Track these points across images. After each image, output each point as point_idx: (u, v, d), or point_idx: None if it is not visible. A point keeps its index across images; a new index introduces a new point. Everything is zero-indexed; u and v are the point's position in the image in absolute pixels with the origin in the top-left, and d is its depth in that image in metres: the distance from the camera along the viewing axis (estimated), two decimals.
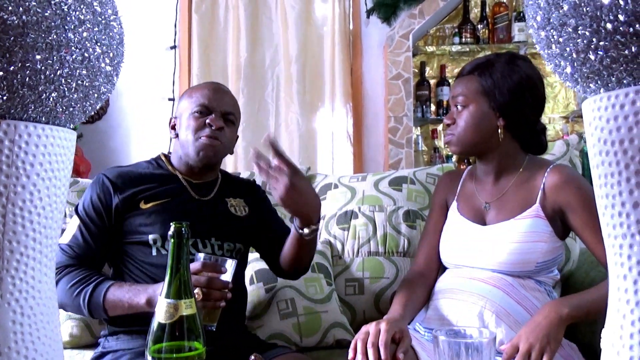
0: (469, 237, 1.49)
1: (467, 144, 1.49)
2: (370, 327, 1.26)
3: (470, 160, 3.45)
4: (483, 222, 1.50)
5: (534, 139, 1.52)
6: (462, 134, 1.48)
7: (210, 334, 1.23)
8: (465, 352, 0.97)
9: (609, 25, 0.59)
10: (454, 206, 1.60)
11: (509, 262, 1.40)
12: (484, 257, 1.43)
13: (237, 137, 1.71)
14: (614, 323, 0.70)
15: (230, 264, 1.32)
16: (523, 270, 1.40)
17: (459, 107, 1.49)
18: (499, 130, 1.46)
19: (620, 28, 0.59)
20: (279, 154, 1.34)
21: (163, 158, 1.67)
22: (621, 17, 0.58)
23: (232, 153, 1.70)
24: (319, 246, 1.96)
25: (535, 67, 1.51)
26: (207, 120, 1.54)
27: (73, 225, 1.51)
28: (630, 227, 0.66)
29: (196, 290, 1.23)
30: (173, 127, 1.64)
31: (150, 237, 1.48)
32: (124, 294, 1.36)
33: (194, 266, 1.28)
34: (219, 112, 1.56)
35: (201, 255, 1.32)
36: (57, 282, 1.39)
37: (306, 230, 1.42)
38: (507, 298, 1.37)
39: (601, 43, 0.61)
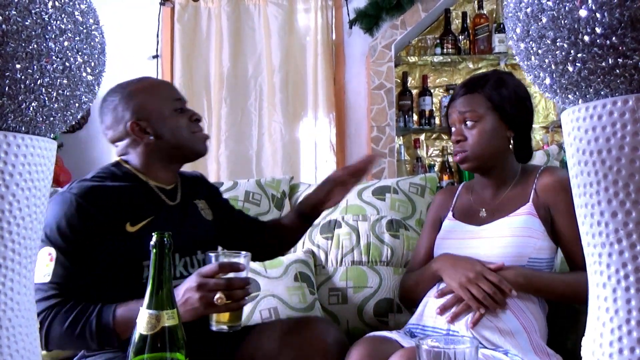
0: (464, 237, 1.53)
1: (483, 159, 1.52)
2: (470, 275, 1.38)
3: (453, 171, 3.47)
4: (478, 224, 1.53)
5: (527, 147, 1.58)
6: (477, 149, 1.51)
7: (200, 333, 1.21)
8: None
9: (586, 38, 0.61)
10: (449, 216, 1.64)
11: (502, 255, 1.42)
12: (477, 252, 1.46)
13: None
14: (594, 331, 0.70)
15: (245, 258, 1.24)
16: (516, 265, 1.41)
17: (468, 123, 1.51)
18: (510, 142, 1.53)
19: (597, 40, 0.60)
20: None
21: (126, 165, 1.53)
22: (598, 30, 0.60)
23: None
24: (302, 256, 1.96)
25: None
26: (195, 116, 1.55)
27: (45, 258, 1.33)
28: (609, 235, 0.67)
29: (218, 295, 1.17)
30: (144, 131, 1.48)
31: (145, 263, 1.38)
32: (135, 309, 1.16)
33: (210, 269, 1.20)
34: (186, 102, 1.57)
35: (213, 255, 1.24)
36: (48, 327, 1.27)
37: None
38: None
39: (579, 55, 0.62)
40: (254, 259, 1.61)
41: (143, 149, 1.50)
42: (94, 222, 1.36)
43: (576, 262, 1.44)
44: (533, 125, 1.59)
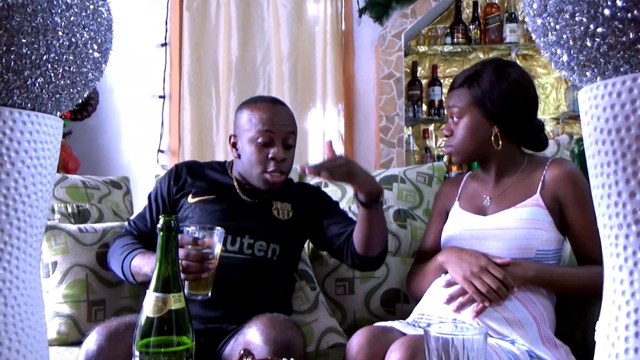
0: (470, 228, 1.52)
1: (466, 154, 1.55)
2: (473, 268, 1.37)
3: None
4: (484, 214, 1.52)
5: (533, 138, 1.56)
6: (459, 145, 1.54)
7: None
8: (455, 347, 0.96)
9: (606, 11, 0.59)
10: (455, 206, 1.63)
11: (509, 247, 1.42)
12: (484, 244, 1.44)
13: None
14: (609, 314, 0.69)
15: (217, 235, 1.33)
16: (523, 257, 1.40)
17: (454, 118, 1.55)
18: (496, 137, 1.51)
19: (618, 14, 0.58)
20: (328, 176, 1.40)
21: (228, 165, 1.74)
22: (619, 3, 0.58)
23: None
24: None
25: (523, 70, 1.56)
26: (270, 154, 1.56)
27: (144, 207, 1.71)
28: (626, 216, 0.65)
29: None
30: (234, 146, 1.67)
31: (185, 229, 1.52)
32: (142, 262, 1.47)
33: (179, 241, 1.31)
34: (281, 138, 1.58)
35: (189, 229, 1.34)
36: (114, 241, 1.64)
37: (368, 200, 1.46)
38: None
39: (598, 30, 0.60)
40: (359, 265, 1.63)
41: (235, 156, 1.69)
42: (172, 186, 1.67)
43: (585, 254, 1.44)
44: (543, 117, 1.57)
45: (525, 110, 1.51)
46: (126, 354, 1.20)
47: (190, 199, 1.64)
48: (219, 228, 1.35)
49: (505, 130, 1.51)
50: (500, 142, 1.51)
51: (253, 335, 1.32)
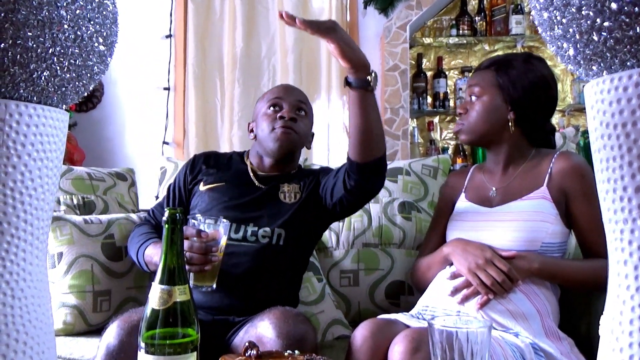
0: (476, 219, 1.52)
1: (477, 134, 1.55)
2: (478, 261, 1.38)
3: (467, 154, 3.44)
4: (490, 205, 1.52)
5: (543, 138, 1.57)
6: (472, 123, 1.54)
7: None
8: (459, 340, 0.96)
9: (613, 5, 0.58)
10: (461, 198, 1.64)
11: (515, 239, 1.42)
12: (490, 236, 1.44)
13: (313, 134, 1.80)
14: (614, 309, 0.69)
15: (223, 227, 1.35)
16: (529, 250, 1.40)
17: (473, 97, 1.54)
18: (509, 123, 1.51)
19: (625, 8, 0.58)
20: (306, 25, 1.25)
21: (245, 154, 1.77)
22: None
23: (309, 148, 1.78)
24: None
25: (549, 68, 1.57)
26: (279, 114, 1.61)
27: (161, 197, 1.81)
28: (631, 211, 0.65)
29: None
30: (251, 131, 1.74)
31: (198, 216, 1.54)
32: (154, 251, 1.51)
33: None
34: (289, 104, 1.63)
35: (194, 221, 1.35)
36: (134, 230, 1.71)
37: (358, 78, 1.35)
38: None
39: (605, 24, 0.60)
40: (360, 177, 1.45)
41: (253, 144, 1.74)
42: (188, 175, 1.71)
43: (590, 248, 1.44)
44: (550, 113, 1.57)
45: (544, 106, 1.53)
46: None
47: (202, 187, 1.68)
48: (224, 220, 1.36)
49: (520, 118, 1.51)
50: (513, 131, 1.51)
51: (266, 328, 1.32)
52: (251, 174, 1.68)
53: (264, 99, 1.71)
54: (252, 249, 1.55)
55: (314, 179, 1.68)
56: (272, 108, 1.64)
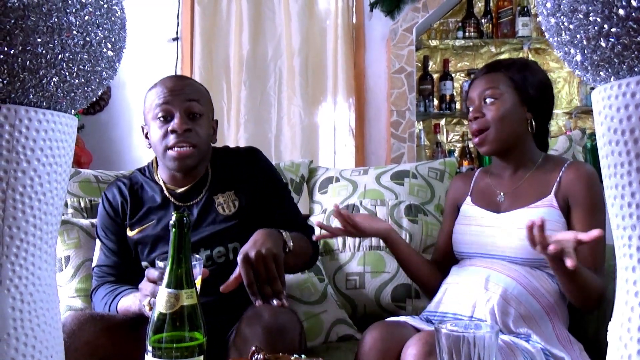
0: (483, 224, 1.51)
1: (503, 138, 1.49)
2: None
3: (473, 157, 3.43)
4: (497, 211, 1.51)
5: (544, 138, 1.58)
6: (497, 125, 1.47)
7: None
8: (466, 345, 0.96)
9: (621, 11, 0.58)
10: (467, 201, 1.62)
11: (522, 247, 1.40)
12: (496, 244, 1.44)
13: (216, 122, 1.66)
14: (622, 315, 0.69)
15: (198, 266, 1.22)
16: (535, 258, 1.39)
17: (488, 100, 1.49)
18: (528, 124, 1.50)
19: (633, 14, 0.58)
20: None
21: (153, 166, 1.61)
22: (634, 3, 0.57)
23: (215, 142, 1.63)
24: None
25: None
26: (170, 127, 1.44)
27: (97, 247, 1.60)
28: (639, 217, 0.65)
29: (147, 300, 1.26)
30: (147, 136, 1.55)
31: (143, 264, 1.52)
32: (127, 304, 1.40)
33: (149, 275, 1.28)
34: (180, 111, 1.46)
35: (161, 264, 1.23)
36: (92, 299, 1.57)
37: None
38: (519, 287, 1.36)
39: (613, 30, 0.60)
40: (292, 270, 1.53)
41: (147, 146, 1.57)
42: (115, 219, 1.57)
43: (586, 263, 1.36)
44: (556, 112, 1.58)
45: (552, 106, 1.56)
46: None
47: (130, 233, 1.54)
48: (196, 256, 1.29)
49: (535, 119, 1.51)
50: (531, 129, 1.50)
51: (245, 325, 1.28)
52: (169, 196, 1.54)
53: (151, 101, 1.49)
54: (212, 274, 1.34)
55: (252, 190, 1.57)
56: (161, 119, 1.47)
